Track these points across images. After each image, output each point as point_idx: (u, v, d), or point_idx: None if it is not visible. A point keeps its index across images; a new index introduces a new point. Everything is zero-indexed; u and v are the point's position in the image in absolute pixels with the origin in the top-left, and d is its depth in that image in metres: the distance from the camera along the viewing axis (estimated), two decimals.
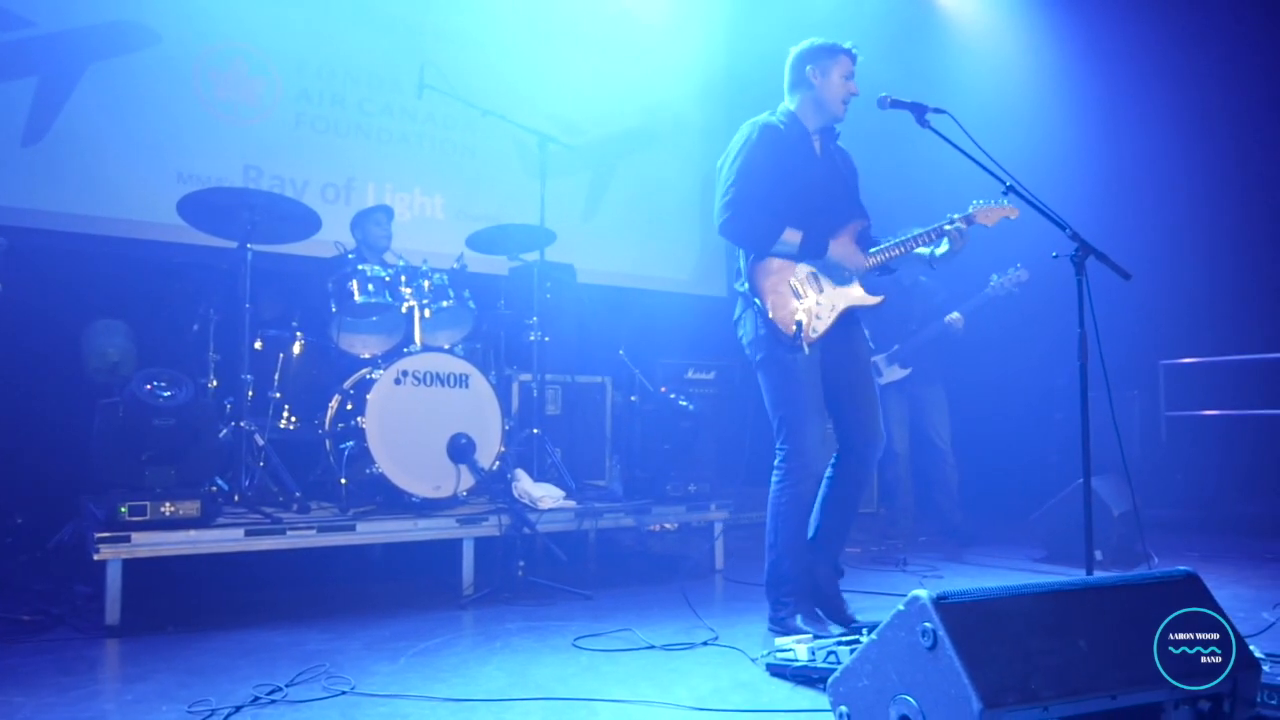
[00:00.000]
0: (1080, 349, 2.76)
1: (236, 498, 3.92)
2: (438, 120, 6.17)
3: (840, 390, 3.23)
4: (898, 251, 3.26)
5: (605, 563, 4.68)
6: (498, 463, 4.17)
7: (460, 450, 3.98)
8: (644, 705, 2.44)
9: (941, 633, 1.79)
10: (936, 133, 3.04)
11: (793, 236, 3.15)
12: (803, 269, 3.20)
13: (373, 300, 4.31)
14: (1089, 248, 2.77)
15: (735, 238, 3.21)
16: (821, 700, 2.37)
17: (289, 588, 3.94)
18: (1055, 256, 2.87)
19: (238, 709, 2.37)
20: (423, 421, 3.98)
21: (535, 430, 4.66)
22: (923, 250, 3.28)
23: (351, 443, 3.93)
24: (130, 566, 3.26)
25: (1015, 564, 4.73)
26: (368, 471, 3.87)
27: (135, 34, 5.27)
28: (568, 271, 5.60)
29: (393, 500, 3.95)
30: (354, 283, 4.31)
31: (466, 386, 4.12)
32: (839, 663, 2.32)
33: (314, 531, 3.61)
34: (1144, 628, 1.91)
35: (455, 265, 4.62)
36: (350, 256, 4.77)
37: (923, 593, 1.86)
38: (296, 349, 4.45)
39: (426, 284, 4.40)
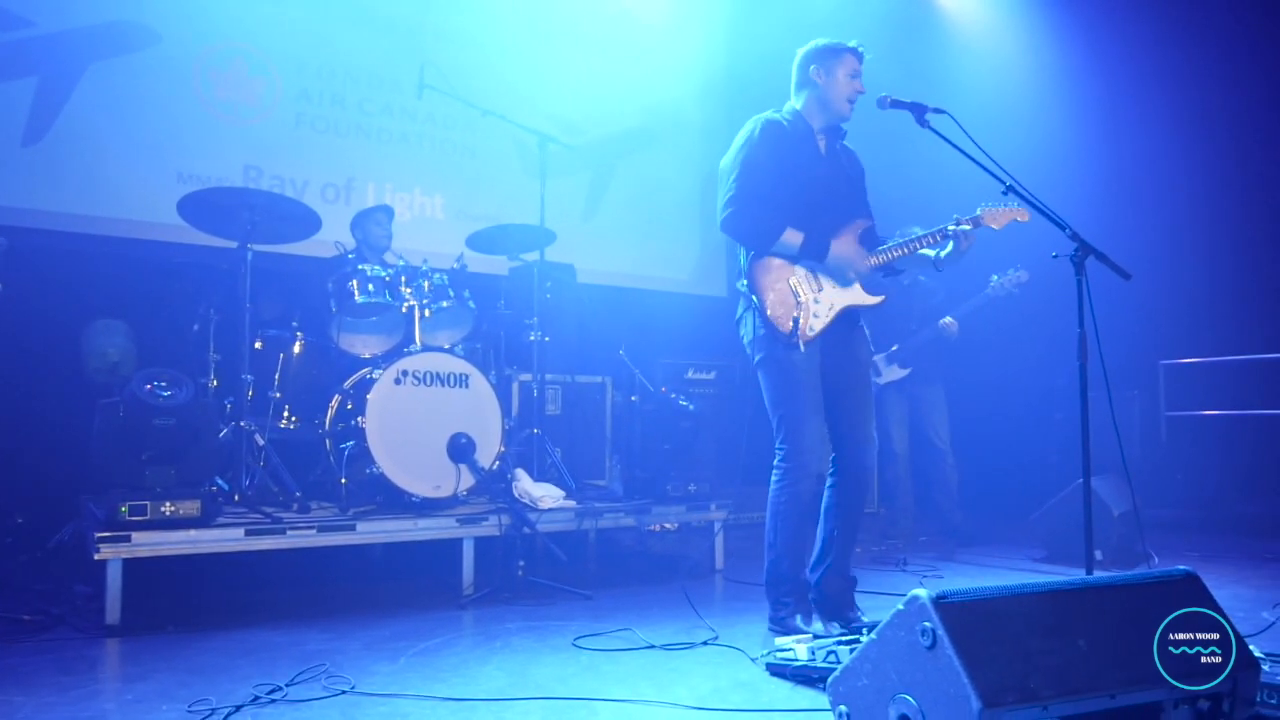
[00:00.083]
0: (1080, 349, 2.76)
1: (237, 497, 3.92)
2: (438, 120, 6.17)
3: (834, 394, 3.22)
4: (901, 252, 3.23)
5: (605, 562, 4.68)
6: (498, 462, 4.17)
7: (460, 450, 3.98)
8: (644, 705, 2.44)
9: (941, 632, 1.79)
10: (936, 133, 3.04)
11: (794, 238, 3.15)
12: (802, 267, 3.20)
13: (373, 300, 4.31)
14: (1089, 248, 2.77)
15: (736, 234, 3.21)
16: (821, 700, 2.37)
17: (289, 588, 3.94)
18: (1055, 256, 2.86)
19: (238, 708, 2.37)
20: (423, 421, 3.98)
21: (535, 430, 4.66)
22: (927, 252, 3.25)
23: (351, 442, 3.94)
24: (130, 566, 3.26)
25: (1015, 564, 4.73)
26: (368, 471, 3.87)
27: (135, 34, 5.27)
28: (568, 271, 5.60)
29: (393, 500, 3.95)
30: (354, 283, 4.31)
31: (466, 386, 4.12)
32: (839, 662, 2.33)
33: (314, 531, 3.61)
34: (1144, 627, 1.91)
35: (455, 265, 4.62)
36: (350, 256, 4.78)
37: (922, 592, 1.86)
38: (297, 349, 4.45)
39: (426, 284, 4.40)
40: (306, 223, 4.27)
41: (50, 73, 5.05)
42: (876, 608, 3.27)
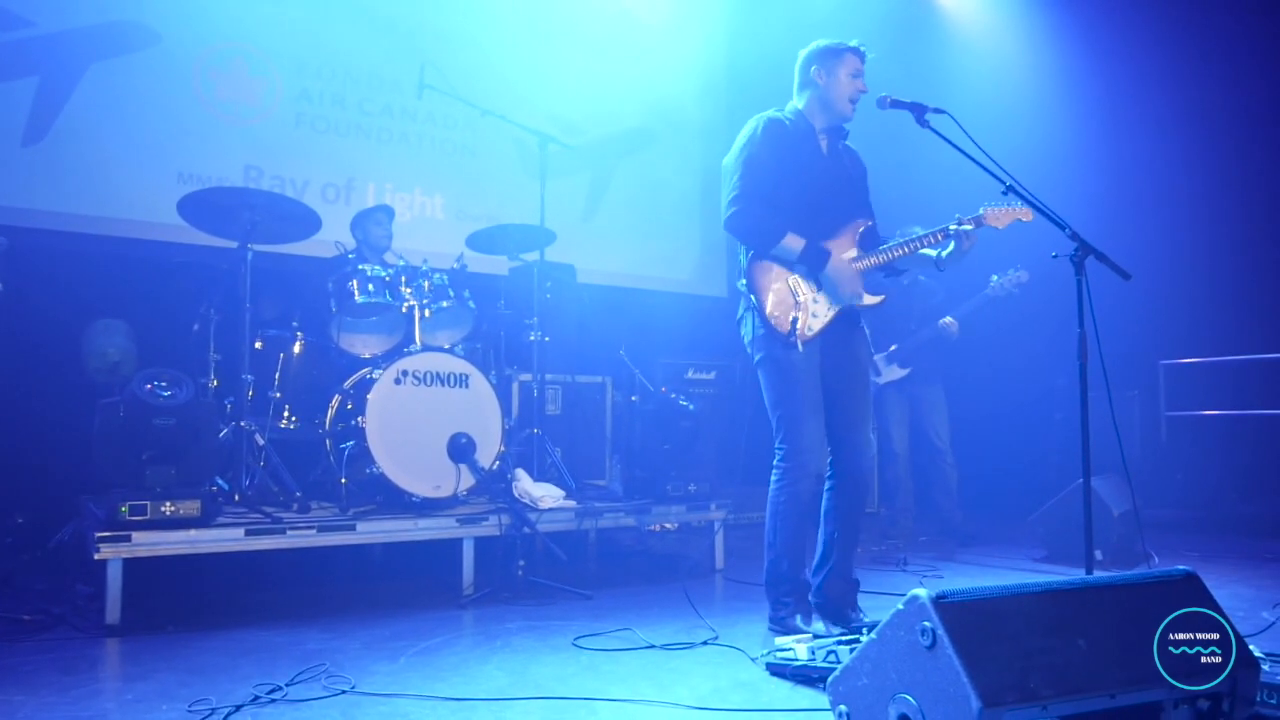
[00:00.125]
0: (1080, 349, 2.76)
1: (237, 497, 3.92)
2: (438, 120, 6.17)
3: (831, 395, 3.22)
4: (901, 252, 3.20)
5: (605, 562, 4.69)
6: (498, 462, 4.17)
7: (460, 450, 3.98)
8: (644, 705, 2.44)
9: (941, 632, 1.79)
10: (936, 133, 3.04)
11: (794, 244, 3.13)
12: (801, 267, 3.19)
13: (373, 300, 4.31)
14: (1089, 248, 2.77)
15: (739, 234, 3.21)
16: (821, 699, 2.37)
17: (289, 587, 3.94)
18: (1055, 256, 2.86)
19: (238, 708, 2.37)
20: (423, 421, 3.98)
21: (535, 430, 4.66)
22: (929, 252, 3.23)
23: (351, 442, 3.94)
24: (131, 566, 3.26)
25: (1015, 564, 4.73)
26: (368, 471, 3.88)
27: (135, 34, 5.28)
28: (568, 271, 5.60)
29: (393, 500, 3.95)
30: (354, 282, 4.31)
31: (466, 386, 4.12)
32: (839, 662, 2.33)
33: (314, 531, 3.61)
34: (1144, 627, 1.91)
35: (455, 265, 4.62)
36: (350, 256, 4.78)
37: (922, 592, 1.86)
38: (297, 349, 4.45)
39: (426, 284, 4.40)
40: (307, 223, 4.27)
41: (51, 73, 5.05)
42: (876, 608, 3.27)
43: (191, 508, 3.39)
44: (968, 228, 3.13)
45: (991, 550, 5.10)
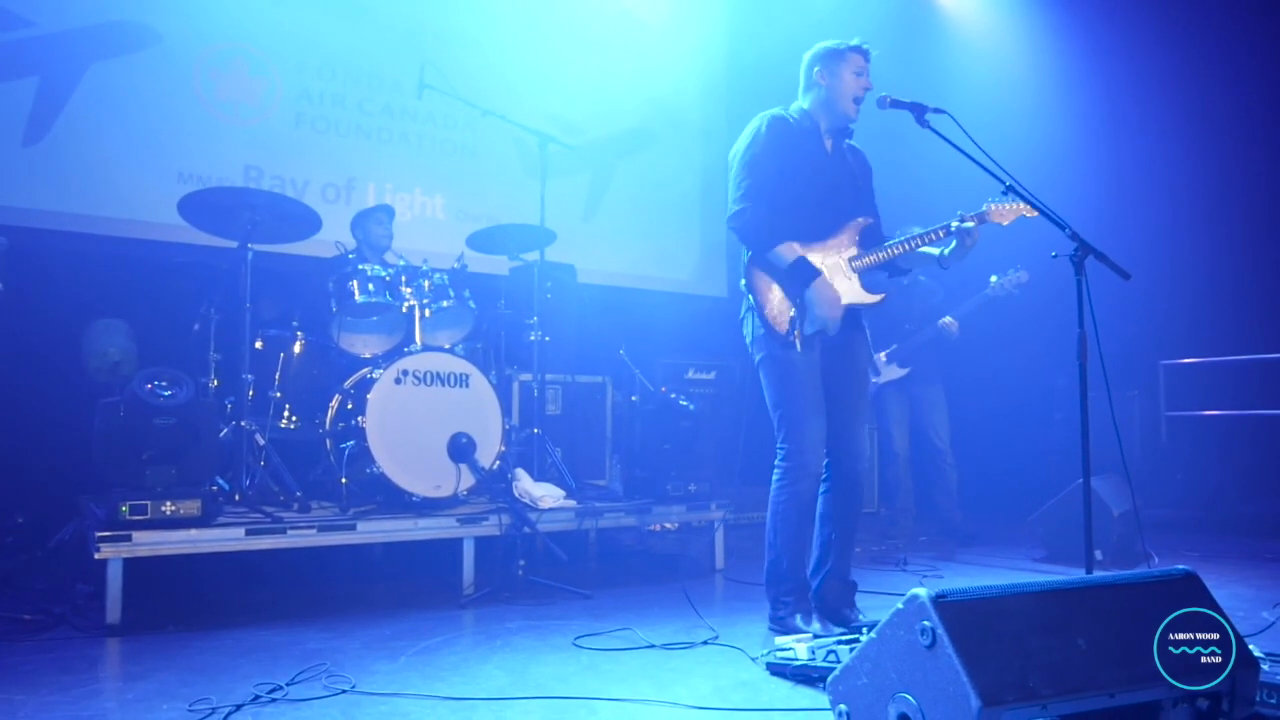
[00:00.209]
0: (1080, 349, 2.76)
1: (237, 497, 3.93)
2: (438, 120, 6.17)
3: (829, 397, 3.22)
4: (902, 249, 3.20)
5: (605, 562, 4.69)
6: (498, 462, 4.17)
7: (460, 450, 3.98)
8: (644, 704, 2.44)
9: (940, 631, 1.79)
10: (936, 133, 3.04)
11: (788, 253, 3.12)
12: None
13: (373, 300, 4.31)
14: (1088, 247, 2.77)
15: (740, 232, 3.21)
16: (821, 699, 2.37)
17: (289, 587, 3.94)
18: (1055, 256, 2.86)
19: (238, 707, 2.37)
20: (423, 421, 3.98)
21: (535, 430, 4.66)
22: (931, 250, 3.22)
23: (352, 442, 3.94)
24: (131, 565, 3.26)
25: (1015, 563, 4.74)
26: (368, 471, 3.88)
27: (136, 34, 5.28)
28: (568, 271, 5.60)
29: (393, 500, 3.96)
30: (354, 282, 4.31)
31: (467, 386, 4.12)
32: (839, 661, 2.33)
33: (314, 531, 3.61)
34: (1143, 627, 1.91)
35: (455, 265, 4.62)
36: (351, 256, 4.78)
37: (922, 591, 1.86)
38: (297, 348, 4.45)
39: (427, 284, 4.40)
40: (307, 223, 4.28)
41: (51, 72, 5.05)
42: (876, 608, 3.27)
43: (192, 507, 3.39)
44: (970, 224, 3.13)
45: (991, 550, 5.10)
